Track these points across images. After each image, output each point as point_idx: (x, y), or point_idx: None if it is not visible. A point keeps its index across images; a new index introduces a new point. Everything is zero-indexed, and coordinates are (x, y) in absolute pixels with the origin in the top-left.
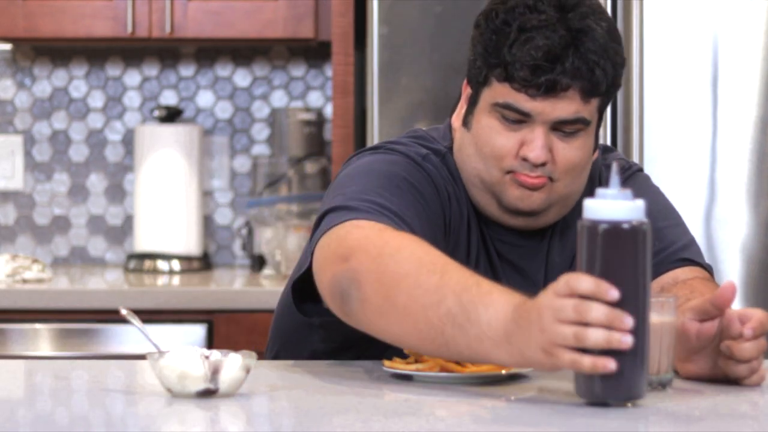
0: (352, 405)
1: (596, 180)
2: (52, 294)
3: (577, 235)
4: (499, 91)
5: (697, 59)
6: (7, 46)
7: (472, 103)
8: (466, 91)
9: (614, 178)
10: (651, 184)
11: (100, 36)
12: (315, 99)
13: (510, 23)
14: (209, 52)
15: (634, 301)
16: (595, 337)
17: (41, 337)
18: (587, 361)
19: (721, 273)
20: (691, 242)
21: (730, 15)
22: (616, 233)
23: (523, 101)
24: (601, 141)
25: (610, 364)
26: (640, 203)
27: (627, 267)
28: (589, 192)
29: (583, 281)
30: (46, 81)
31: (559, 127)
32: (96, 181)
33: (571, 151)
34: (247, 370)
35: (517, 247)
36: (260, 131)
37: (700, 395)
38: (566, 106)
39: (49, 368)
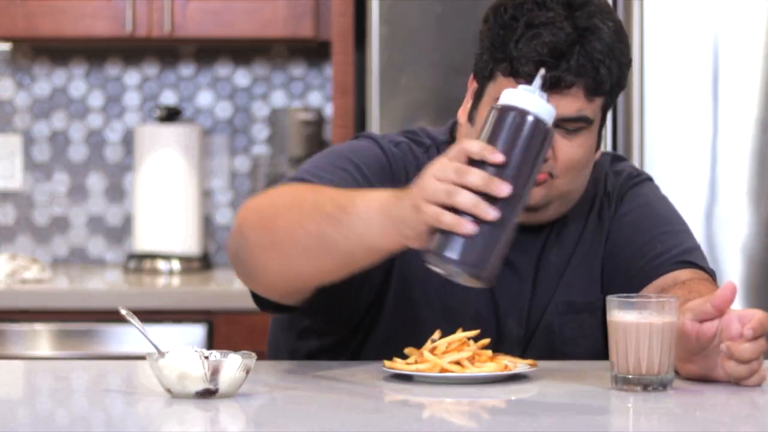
0: (352, 405)
1: (601, 184)
2: (52, 294)
3: (486, 116)
4: (503, 86)
5: (698, 59)
6: (6, 46)
7: (478, 97)
8: (472, 85)
9: (537, 80)
10: (658, 192)
11: (100, 36)
12: (315, 99)
13: (518, 19)
14: (209, 51)
15: (515, 189)
16: (465, 198)
17: (41, 338)
18: (448, 217)
19: (721, 273)
20: (695, 248)
21: (730, 15)
22: (522, 121)
23: None
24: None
25: (469, 226)
26: (552, 110)
27: (520, 154)
28: (592, 194)
29: (473, 143)
30: (46, 81)
31: (561, 124)
32: (96, 181)
33: (573, 149)
34: (247, 371)
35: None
36: (260, 131)
37: (700, 395)
38: (569, 104)
39: (49, 368)
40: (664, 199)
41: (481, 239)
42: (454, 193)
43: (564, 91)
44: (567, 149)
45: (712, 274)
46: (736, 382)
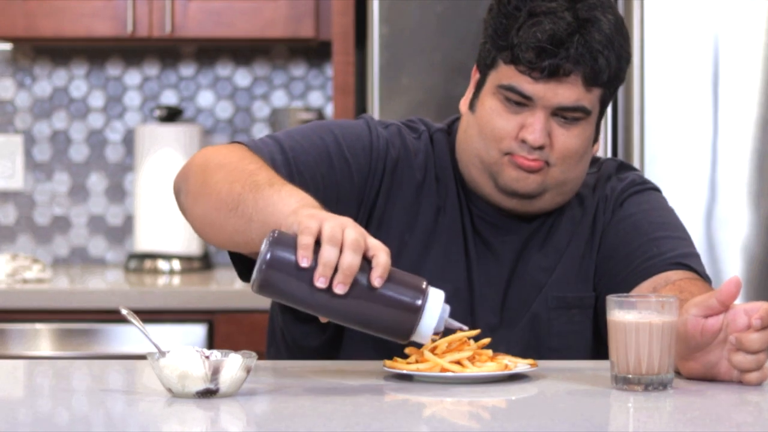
0: (352, 405)
1: (600, 188)
2: (53, 294)
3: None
4: (504, 74)
5: (698, 59)
6: (7, 46)
7: (479, 86)
8: (475, 76)
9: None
10: (662, 202)
11: (101, 36)
12: (315, 99)
13: (520, 8)
14: (209, 51)
15: (352, 308)
16: (346, 257)
17: (41, 337)
18: (307, 240)
19: (722, 273)
20: (692, 254)
21: (730, 15)
22: (414, 299)
23: (526, 84)
24: (601, 141)
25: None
26: (432, 327)
27: (385, 297)
28: (590, 195)
29: (378, 244)
30: (47, 81)
31: (559, 113)
32: (96, 181)
33: (570, 139)
34: (248, 370)
35: (496, 227)
36: (261, 131)
37: (700, 395)
38: (568, 93)
39: (49, 368)
40: (667, 209)
41: (302, 277)
42: (338, 249)
43: (563, 80)
44: (564, 138)
45: (707, 279)
46: (740, 377)
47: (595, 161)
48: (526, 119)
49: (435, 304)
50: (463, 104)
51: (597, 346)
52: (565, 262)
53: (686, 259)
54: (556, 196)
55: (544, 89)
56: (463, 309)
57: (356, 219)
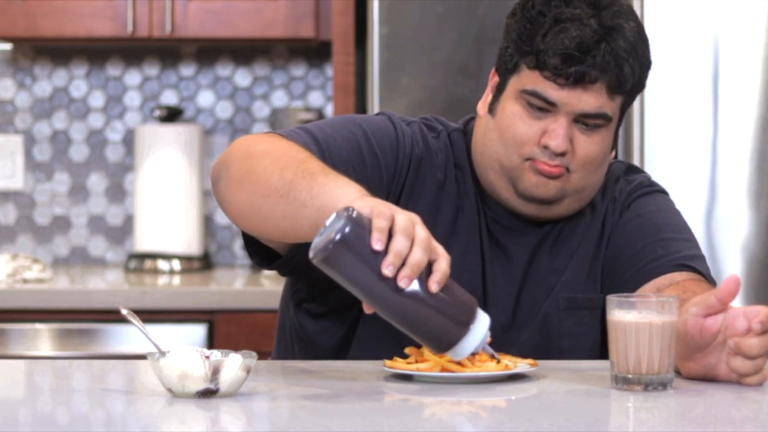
0: (352, 405)
1: (609, 190)
2: (53, 294)
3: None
4: (528, 79)
5: (698, 59)
6: (7, 46)
7: (500, 90)
8: (494, 79)
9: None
10: (669, 204)
11: (101, 36)
12: (315, 99)
13: (545, 14)
14: (210, 51)
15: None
16: (416, 253)
17: (41, 337)
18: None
19: (722, 273)
20: (697, 256)
21: (730, 15)
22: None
23: (551, 90)
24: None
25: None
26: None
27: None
28: (600, 198)
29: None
30: (47, 81)
31: (581, 119)
32: (96, 181)
33: (591, 145)
34: (248, 370)
35: (510, 230)
36: (260, 131)
37: (701, 395)
38: (591, 100)
39: (49, 368)
40: (674, 211)
41: (370, 261)
42: (410, 243)
43: (587, 87)
44: (585, 145)
45: (712, 282)
46: (739, 379)
47: None
48: (549, 125)
49: (481, 327)
50: (481, 107)
51: (604, 346)
52: (575, 263)
53: (691, 261)
54: (573, 202)
55: (568, 96)
56: None
57: None
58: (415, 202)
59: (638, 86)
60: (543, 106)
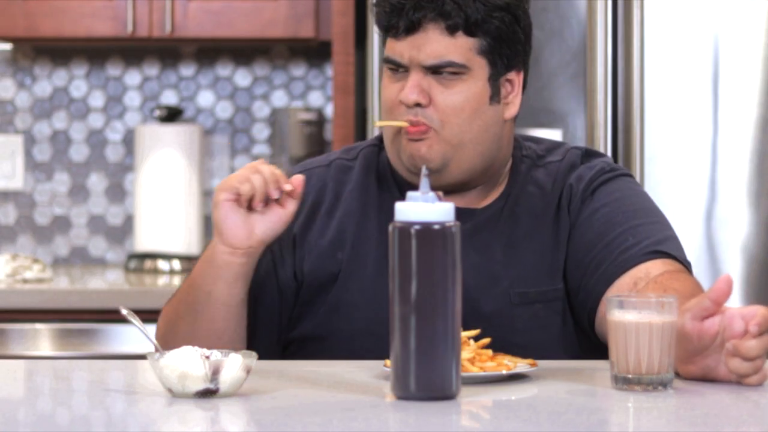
0: (351, 405)
1: (560, 176)
2: (53, 294)
3: (389, 236)
4: (386, 48)
5: (698, 59)
6: (7, 46)
7: None
8: None
9: (423, 180)
10: (634, 187)
11: (101, 36)
12: (315, 99)
13: None
14: (209, 51)
15: (443, 300)
16: (257, 179)
17: (41, 337)
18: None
19: (721, 273)
20: (669, 238)
21: (730, 15)
22: (427, 234)
23: (394, 48)
24: (601, 141)
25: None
26: (449, 206)
27: (439, 266)
28: (550, 187)
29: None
30: (47, 81)
31: (436, 70)
32: (96, 181)
33: (451, 96)
34: (248, 370)
35: None
36: (261, 131)
37: (700, 395)
38: (430, 48)
39: (49, 368)
40: (640, 194)
41: (442, 366)
42: (247, 179)
43: (421, 35)
44: (444, 96)
45: (686, 264)
46: (739, 380)
47: (559, 149)
48: (405, 83)
49: None
50: None
51: (579, 340)
52: (525, 256)
53: (663, 245)
54: (461, 163)
55: (407, 48)
56: None
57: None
58: (312, 239)
59: (488, 26)
60: (395, 67)
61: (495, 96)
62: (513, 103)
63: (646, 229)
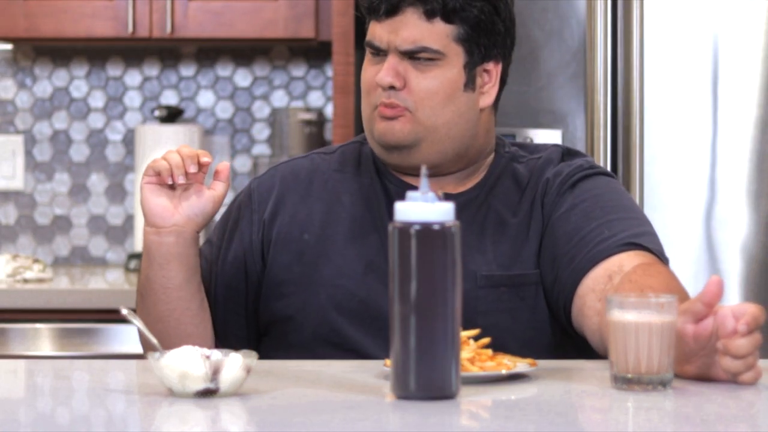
0: (352, 405)
1: (537, 171)
2: (53, 294)
3: (388, 236)
4: (368, 32)
5: (698, 59)
6: (7, 46)
7: None
8: None
9: (423, 180)
10: (615, 186)
11: (101, 36)
12: (315, 99)
13: None
14: (210, 52)
15: (443, 300)
16: (173, 156)
17: (42, 337)
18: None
19: (721, 273)
20: (645, 232)
21: (730, 15)
22: (427, 234)
23: (374, 32)
24: (600, 141)
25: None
26: (449, 206)
27: (439, 266)
28: (526, 180)
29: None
30: (47, 81)
31: (412, 55)
32: (97, 181)
33: (426, 81)
34: (248, 370)
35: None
36: (261, 131)
37: (700, 395)
38: (407, 32)
39: (49, 368)
40: (619, 191)
41: (442, 366)
42: (164, 158)
43: (400, 18)
44: (419, 80)
45: (661, 256)
46: (733, 378)
47: (542, 150)
48: (383, 67)
49: None
50: None
51: (553, 329)
52: (495, 242)
53: (639, 239)
54: (432, 144)
55: (388, 32)
56: (379, 281)
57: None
58: (281, 223)
59: (464, 13)
60: (375, 52)
61: (470, 83)
62: (489, 93)
63: (622, 224)
